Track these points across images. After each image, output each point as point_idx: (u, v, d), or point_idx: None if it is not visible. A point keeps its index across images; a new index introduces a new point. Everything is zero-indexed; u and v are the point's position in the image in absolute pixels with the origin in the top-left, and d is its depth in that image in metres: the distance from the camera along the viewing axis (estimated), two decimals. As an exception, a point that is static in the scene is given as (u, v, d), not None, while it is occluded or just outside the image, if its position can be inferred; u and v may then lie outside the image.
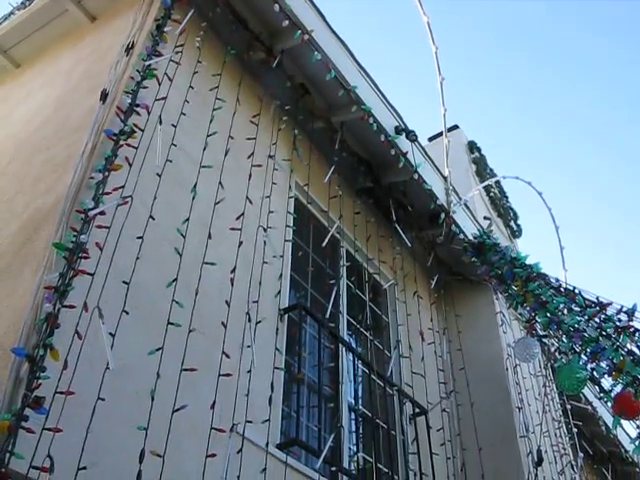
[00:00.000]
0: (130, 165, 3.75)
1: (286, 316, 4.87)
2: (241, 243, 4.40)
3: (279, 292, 4.82)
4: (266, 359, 4.35)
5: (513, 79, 32.48)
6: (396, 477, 5.61)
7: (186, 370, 3.55)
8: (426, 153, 7.08)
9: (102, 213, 3.38)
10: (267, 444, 3.98)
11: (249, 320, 4.23)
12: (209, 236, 4.14)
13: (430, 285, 7.23)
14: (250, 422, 3.88)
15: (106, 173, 3.54)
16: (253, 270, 4.47)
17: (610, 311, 5.22)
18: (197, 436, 3.55)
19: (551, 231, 8.26)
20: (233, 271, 4.22)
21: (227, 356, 3.86)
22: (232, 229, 4.43)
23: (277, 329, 4.61)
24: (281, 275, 4.90)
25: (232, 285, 4.17)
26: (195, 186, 4.20)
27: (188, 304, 3.76)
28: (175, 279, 3.74)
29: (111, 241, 3.41)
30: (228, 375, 3.80)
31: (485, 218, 8.37)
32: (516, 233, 11.39)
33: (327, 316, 5.32)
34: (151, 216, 3.74)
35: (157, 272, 3.78)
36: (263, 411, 4.08)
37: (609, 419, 9.06)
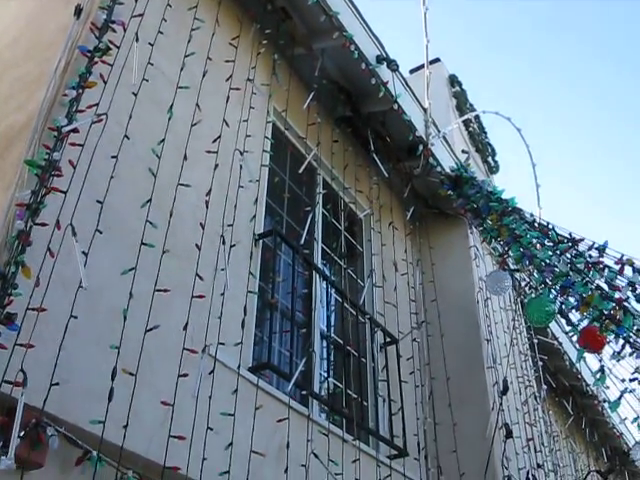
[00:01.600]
0: (105, 83, 3.66)
1: (261, 242, 4.86)
2: (217, 166, 4.36)
3: (254, 217, 4.80)
4: (240, 283, 4.37)
5: (496, 17, 32.14)
6: (365, 403, 5.72)
7: (159, 291, 3.56)
8: (407, 84, 7.00)
9: (75, 131, 3.32)
10: (239, 366, 4.03)
11: (223, 243, 4.23)
12: (185, 158, 4.10)
13: (406, 217, 7.24)
14: (222, 344, 3.92)
15: (80, 90, 3.45)
16: (228, 194, 4.44)
17: (582, 247, 5.28)
18: (169, 356, 3.58)
19: (528, 168, 8.28)
20: (208, 194, 4.19)
21: (200, 278, 3.87)
22: (208, 152, 4.38)
23: (251, 254, 4.61)
24: (257, 200, 4.87)
25: (207, 208, 4.15)
26: (172, 107, 4.13)
27: (162, 225, 3.75)
28: (149, 200, 3.71)
29: (85, 159, 3.36)
30: (201, 297, 3.82)
31: (463, 152, 8.35)
32: (493, 169, 11.39)
33: (302, 243, 5.34)
34: (126, 135, 3.68)
35: (131, 192, 3.74)
36: (236, 334, 4.11)
37: (573, 354, 9.30)
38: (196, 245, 3.96)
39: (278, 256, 5.18)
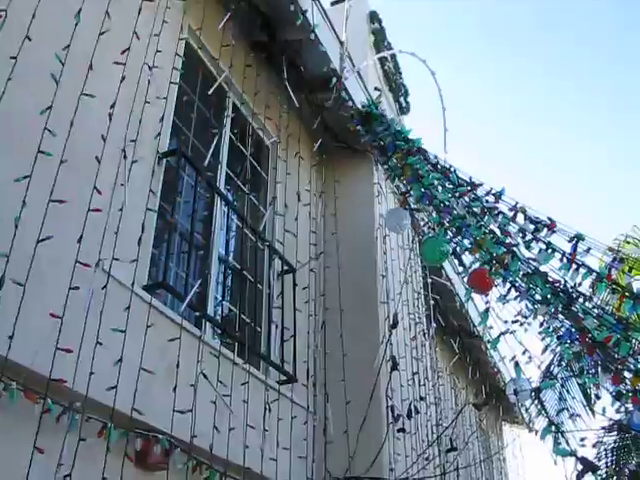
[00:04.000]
0: (5, -25, 3.46)
1: (164, 161, 4.78)
2: (124, 79, 4.20)
3: (159, 134, 4.69)
4: (139, 200, 4.29)
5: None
6: (258, 329, 5.80)
7: (54, 201, 3.46)
8: (326, 15, 6.92)
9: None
10: (133, 284, 4.00)
11: (124, 158, 4.13)
12: (90, 67, 3.94)
13: (313, 148, 7.24)
14: (117, 260, 3.87)
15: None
16: (134, 108, 4.31)
17: (480, 192, 5.43)
18: (61, 268, 3.51)
19: (438, 113, 8.36)
20: (112, 106, 4.05)
21: (99, 192, 3.78)
22: (116, 63, 4.21)
23: (153, 171, 4.53)
24: (163, 118, 4.74)
25: (110, 121, 4.02)
26: (80, 12, 3.93)
27: (62, 135, 3.62)
28: (50, 107, 3.55)
29: (-20, 57, 3.20)
30: (98, 211, 3.74)
31: (376, 89, 8.36)
32: (404, 109, 11.45)
33: (205, 165, 5.28)
34: (27, 37, 3.51)
35: (30, 97, 3.59)
36: (131, 251, 4.06)
37: (464, 295, 9.64)
38: (96, 158, 3.86)
39: (181, 177, 5.12)
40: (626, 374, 4.11)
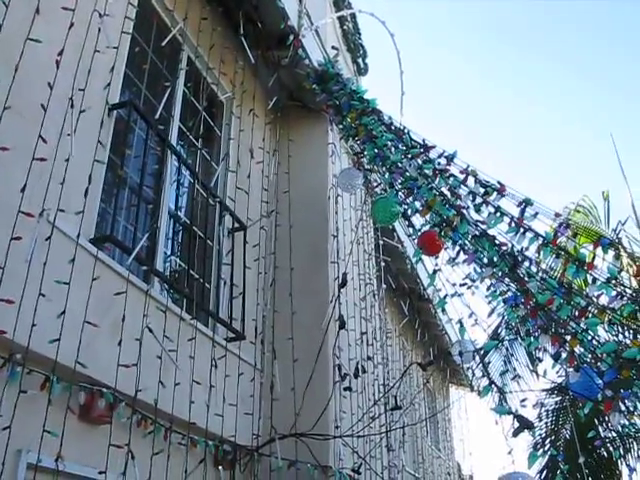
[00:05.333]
0: None
1: (114, 112, 4.68)
2: (72, 25, 4.08)
3: (109, 85, 4.57)
4: (87, 151, 4.19)
5: None
6: (207, 285, 5.78)
7: (-3, 148, 3.38)
8: (285, -30, 6.81)
9: None
10: (78, 236, 3.92)
11: (72, 107, 4.03)
12: (37, 11, 3.81)
13: (268, 105, 7.17)
14: (62, 211, 3.79)
15: None
16: (83, 56, 4.19)
17: (433, 154, 5.44)
18: (3, 218, 3.43)
19: (396, 75, 8.32)
20: (60, 54, 3.94)
21: (44, 140, 3.68)
22: (64, 9, 4.08)
23: (102, 122, 4.41)
24: (113, 68, 4.62)
25: (57, 68, 3.91)
26: (25, -48, 3.82)
27: (6, 80, 3.51)
28: (-7, 51, 3.46)
29: None
30: (43, 160, 3.65)
31: (333, 48, 8.27)
32: (362, 70, 11.39)
33: (157, 118, 5.19)
34: (-29, -23, 3.39)
35: (-28, 43, 3.48)
36: (78, 203, 3.98)
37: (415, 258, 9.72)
38: (42, 105, 3.76)
39: (132, 129, 5.02)
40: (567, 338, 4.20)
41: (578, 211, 11.09)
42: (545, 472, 9.91)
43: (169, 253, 5.52)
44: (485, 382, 4.62)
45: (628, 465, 9.49)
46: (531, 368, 10.17)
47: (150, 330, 4.39)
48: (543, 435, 10.32)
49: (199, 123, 5.84)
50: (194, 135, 5.92)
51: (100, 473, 3.76)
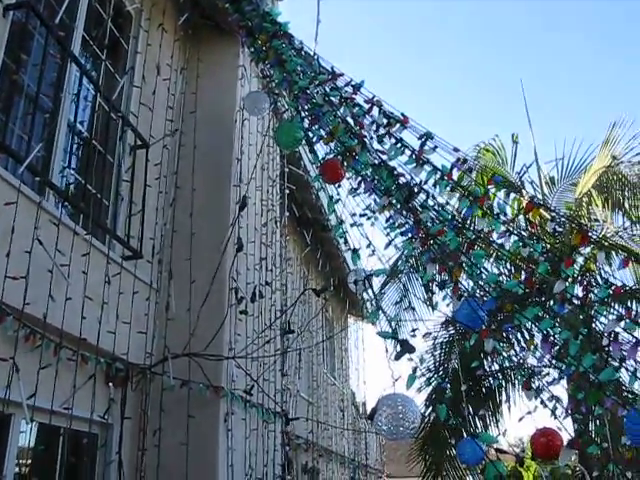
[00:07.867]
0: None
1: (10, 14, 4.44)
2: None
3: (4, -18, 4.34)
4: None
5: None
6: (105, 201, 5.66)
7: None
8: None
9: None
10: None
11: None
12: None
13: (178, 22, 6.96)
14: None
15: None
16: (-24, -50, 3.97)
17: (340, 82, 5.41)
18: None
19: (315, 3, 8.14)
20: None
21: None
22: None
23: (-4, 23, 4.21)
24: (11, -35, 4.40)
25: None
26: None
27: None
28: None
29: None
30: None
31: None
32: (280, -5, 11.17)
33: (57, 21, 4.94)
34: None
35: None
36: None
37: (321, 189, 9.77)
38: None
39: (30, 34, 4.79)
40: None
41: (487, 150, 11.38)
42: (431, 400, 10.39)
43: (66, 166, 5.35)
44: (373, 308, 4.75)
45: (507, 394, 10.30)
46: (425, 300, 10.50)
47: (40, 242, 4.28)
48: (432, 367, 10.77)
49: (104, 33, 5.62)
50: (98, 46, 5.70)
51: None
